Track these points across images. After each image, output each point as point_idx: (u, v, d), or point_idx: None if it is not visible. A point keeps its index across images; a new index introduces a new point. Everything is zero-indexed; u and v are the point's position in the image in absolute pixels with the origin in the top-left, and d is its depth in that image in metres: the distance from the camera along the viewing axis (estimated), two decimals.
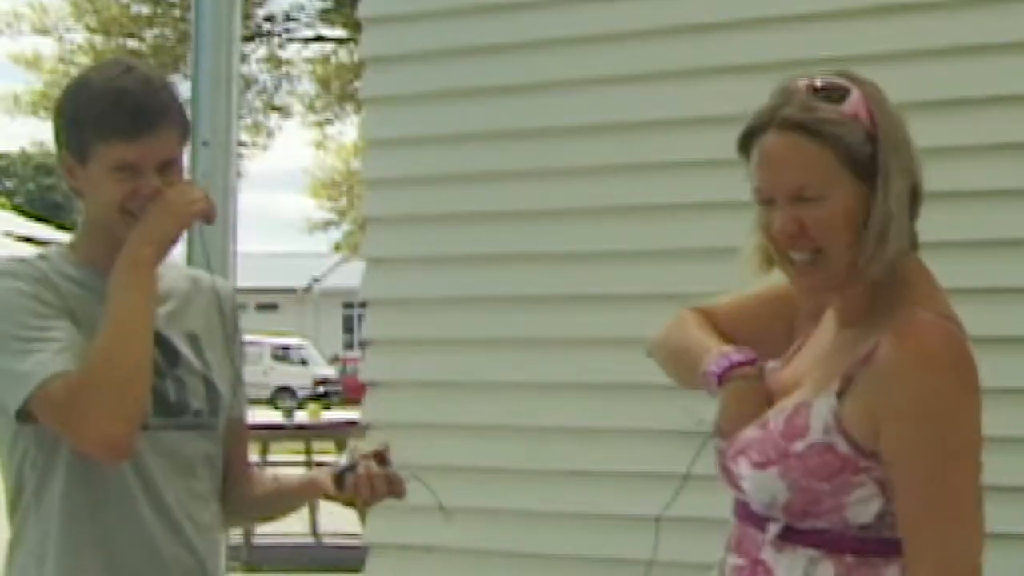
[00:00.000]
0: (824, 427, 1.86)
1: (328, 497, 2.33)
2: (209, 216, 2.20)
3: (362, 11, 4.14)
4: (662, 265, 3.60)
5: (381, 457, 2.29)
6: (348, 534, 8.28)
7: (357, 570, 4.00)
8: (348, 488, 2.27)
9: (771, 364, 2.05)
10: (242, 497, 2.37)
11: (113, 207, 2.14)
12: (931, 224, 3.16)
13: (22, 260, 2.18)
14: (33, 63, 20.41)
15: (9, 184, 50.52)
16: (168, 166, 2.16)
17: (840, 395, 1.87)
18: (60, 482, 2.13)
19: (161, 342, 2.19)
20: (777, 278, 2.03)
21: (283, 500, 2.51)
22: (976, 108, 3.29)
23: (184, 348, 2.25)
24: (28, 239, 33.83)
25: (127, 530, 2.16)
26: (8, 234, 32.78)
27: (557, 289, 3.77)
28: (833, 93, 1.90)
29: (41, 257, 2.21)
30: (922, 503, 1.82)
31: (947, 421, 1.83)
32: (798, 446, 1.87)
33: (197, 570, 2.24)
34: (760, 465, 1.90)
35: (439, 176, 3.96)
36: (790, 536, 1.91)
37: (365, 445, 2.35)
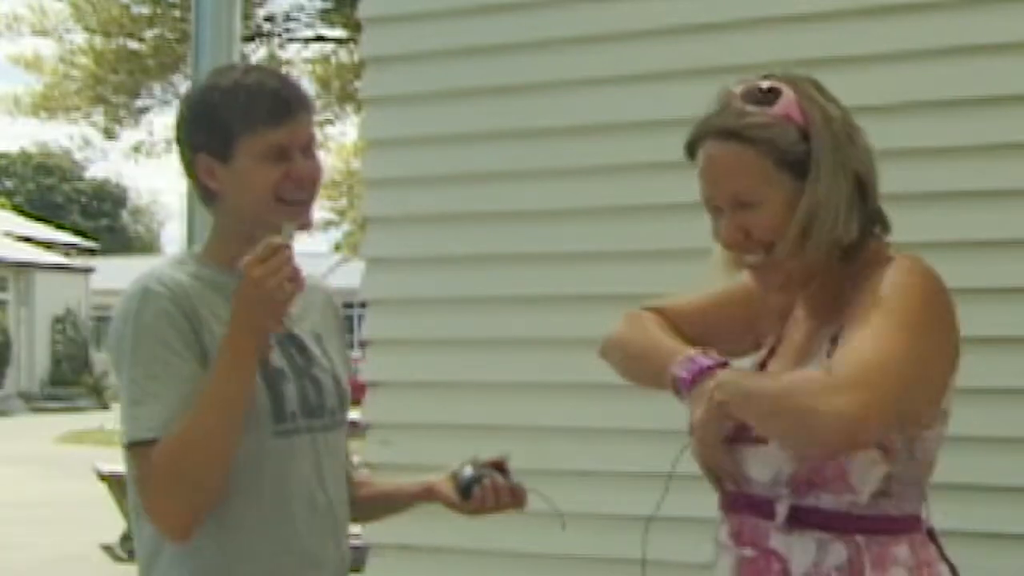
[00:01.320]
0: None
1: (448, 505, 2.33)
2: (300, 285, 2.09)
3: (362, 11, 4.13)
4: (662, 265, 3.58)
5: (502, 467, 2.33)
6: (348, 534, 8.26)
7: (357, 570, 3.98)
8: (476, 499, 2.30)
9: (738, 363, 2.04)
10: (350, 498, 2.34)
11: (268, 195, 2.13)
12: (931, 224, 3.18)
13: (163, 281, 2.12)
14: (33, 64, 20.37)
15: (9, 184, 50.47)
16: (310, 148, 2.20)
17: (830, 356, 1.87)
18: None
19: (296, 343, 2.21)
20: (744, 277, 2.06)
21: (390, 505, 2.51)
22: (976, 108, 3.29)
23: (314, 347, 2.26)
24: (28, 239, 33.88)
25: (292, 541, 2.15)
26: (8, 234, 32.83)
27: (557, 289, 3.76)
28: (765, 96, 1.93)
29: (180, 263, 2.19)
30: (861, 334, 1.81)
31: (912, 302, 1.84)
32: None
33: (345, 566, 2.27)
34: (761, 440, 1.91)
35: (439, 176, 3.96)
36: (797, 519, 1.92)
37: (484, 454, 2.36)
